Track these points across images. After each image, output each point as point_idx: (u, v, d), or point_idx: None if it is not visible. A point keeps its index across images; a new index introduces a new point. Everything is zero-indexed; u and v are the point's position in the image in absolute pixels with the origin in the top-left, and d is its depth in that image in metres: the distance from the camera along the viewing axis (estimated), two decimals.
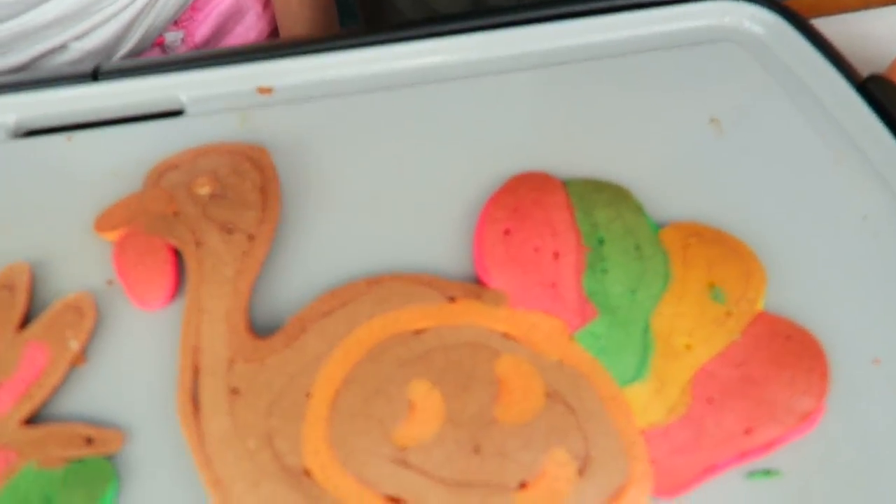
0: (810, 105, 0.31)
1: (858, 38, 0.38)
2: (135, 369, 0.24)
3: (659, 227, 0.27)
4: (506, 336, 0.24)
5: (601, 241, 0.26)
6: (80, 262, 0.26)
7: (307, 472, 0.22)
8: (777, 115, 0.31)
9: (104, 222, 0.26)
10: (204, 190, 0.27)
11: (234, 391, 0.23)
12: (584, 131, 0.30)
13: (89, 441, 0.22)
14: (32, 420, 0.23)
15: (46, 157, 0.30)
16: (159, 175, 0.28)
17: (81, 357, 0.24)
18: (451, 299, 0.25)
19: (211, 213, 0.26)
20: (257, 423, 0.22)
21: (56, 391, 0.24)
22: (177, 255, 0.26)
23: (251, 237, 0.26)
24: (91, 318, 0.25)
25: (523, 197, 0.27)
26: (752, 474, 0.23)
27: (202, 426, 0.22)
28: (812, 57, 0.32)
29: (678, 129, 0.30)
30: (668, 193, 0.28)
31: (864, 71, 0.31)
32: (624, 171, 0.28)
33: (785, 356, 0.24)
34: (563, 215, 0.27)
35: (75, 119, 0.31)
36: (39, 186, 0.29)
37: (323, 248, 0.27)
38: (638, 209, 0.27)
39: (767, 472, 0.23)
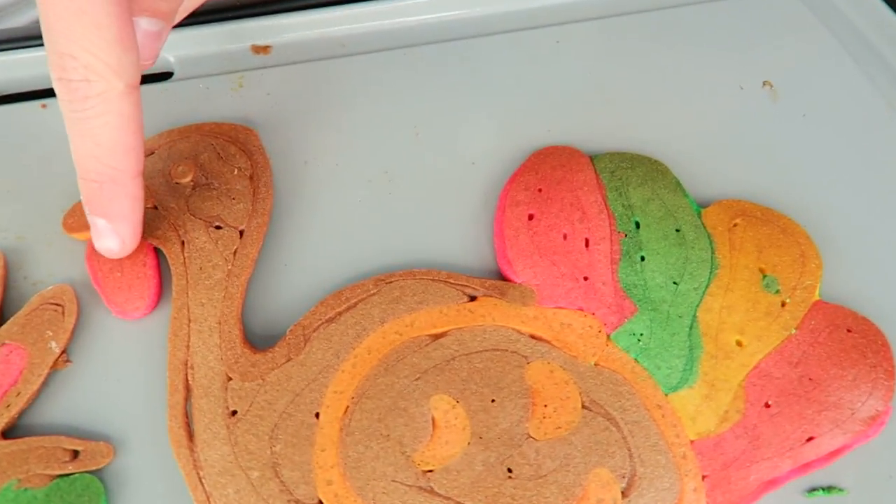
0: (878, 67, 0.27)
1: None
2: (123, 371, 0.22)
3: (701, 207, 0.24)
4: (535, 338, 0.21)
5: (637, 226, 0.23)
6: (60, 249, 0.23)
7: None
8: (839, 78, 0.27)
9: (73, 221, 0.23)
10: (185, 179, 0.24)
11: (233, 414, 0.20)
12: (614, 98, 0.27)
13: (75, 455, 0.20)
14: (10, 432, 0.21)
15: (19, 125, 0.26)
16: None
17: (63, 359, 0.22)
18: (472, 298, 0.22)
19: (195, 206, 0.23)
20: (260, 450, 0.20)
21: (36, 398, 0.21)
22: (158, 255, 0.23)
23: (242, 233, 0.23)
24: (73, 315, 0.22)
25: (547, 175, 0.24)
26: (812, 491, 0.20)
27: (198, 456, 0.20)
28: (880, 11, 0.28)
29: (725, 93, 0.27)
30: (711, 168, 0.25)
31: None
32: (661, 144, 0.25)
33: (847, 351, 0.21)
34: (593, 196, 0.24)
35: (50, 83, 0.27)
36: (11, 160, 0.25)
37: (324, 242, 0.24)
38: (677, 187, 0.24)
39: (829, 489, 0.20)
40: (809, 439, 0.20)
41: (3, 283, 0.23)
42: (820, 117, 0.26)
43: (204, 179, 0.24)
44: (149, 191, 0.24)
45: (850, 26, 0.28)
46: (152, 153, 0.25)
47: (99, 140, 0.19)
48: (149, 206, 0.23)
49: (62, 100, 0.19)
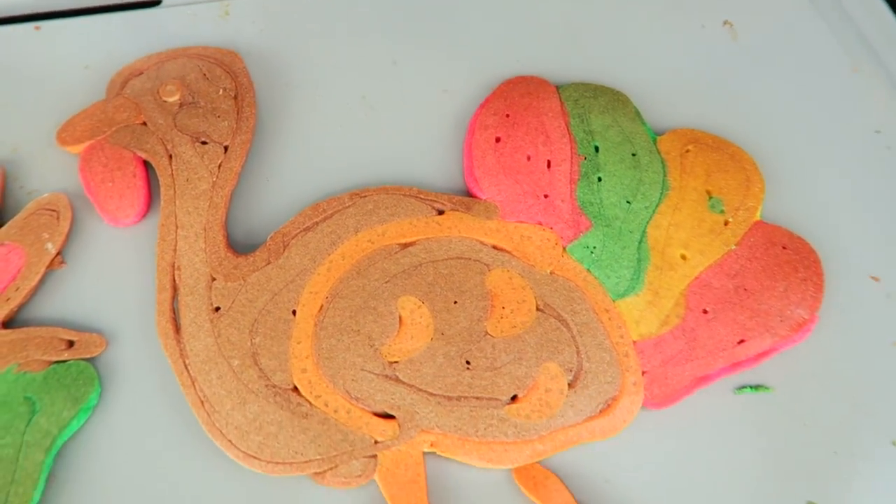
0: (832, 9, 0.29)
1: None
2: (115, 273, 0.23)
3: (657, 134, 0.25)
4: (496, 248, 0.23)
5: (596, 149, 0.25)
6: (54, 161, 0.25)
7: (295, 390, 0.21)
8: (796, 18, 0.29)
9: (66, 135, 0.25)
10: (173, 98, 0.25)
11: (216, 310, 0.22)
12: (581, 32, 0.28)
13: (70, 344, 0.22)
14: (10, 323, 0.22)
15: (12, 47, 0.27)
16: (123, 82, 0.26)
17: (59, 260, 0.23)
18: (440, 212, 0.24)
19: (182, 122, 0.25)
20: (241, 341, 0.22)
21: (34, 295, 0.23)
22: (147, 168, 0.25)
23: (226, 148, 0.25)
24: (67, 220, 0.23)
25: (515, 102, 0.26)
26: (741, 388, 0.23)
27: (184, 346, 0.22)
28: None
29: (686, 30, 0.28)
30: (669, 100, 0.26)
31: None
32: (623, 76, 0.27)
33: (780, 266, 0.23)
34: (557, 122, 0.25)
35: (44, 7, 0.28)
36: (7, 78, 0.27)
37: (303, 159, 0.26)
38: (636, 116, 0.26)
39: (757, 387, 0.23)
40: (741, 342, 0.22)
41: (1, 191, 0.24)
42: (775, 55, 0.27)
43: (190, 98, 0.25)
44: (138, 108, 0.25)
45: None
46: (141, 73, 0.26)
47: None
48: (138, 122, 0.25)
49: None
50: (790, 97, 0.27)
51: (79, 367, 0.22)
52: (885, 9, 0.27)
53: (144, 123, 0.25)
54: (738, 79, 0.27)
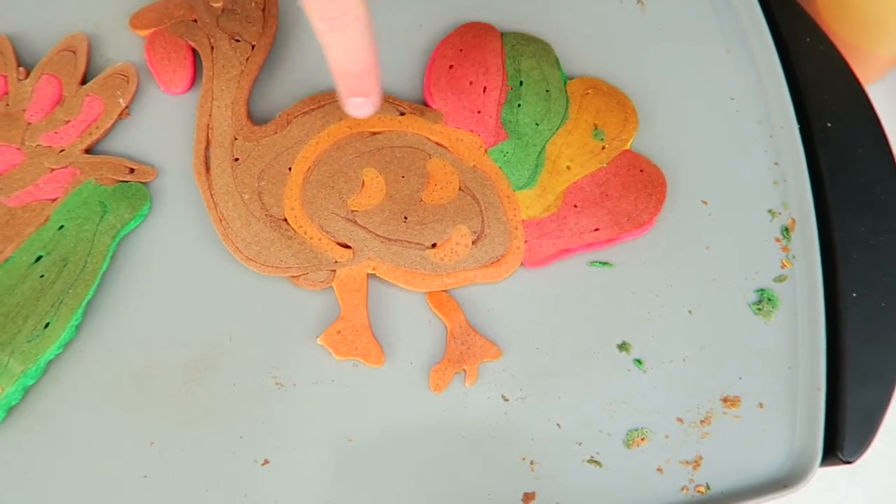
0: (720, 0, 0.37)
1: None
2: (166, 126, 0.32)
3: (569, 78, 0.35)
4: (438, 144, 0.33)
5: (521, 84, 0.34)
6: (127, 39, 0.34)
7: (285, 220, 0.31)
8: (693, 5, 0.37)
9: (137, 21, 0.33)
10: (217, 4, 0.34)
11: (235, 160, 0.32)
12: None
13: (131, 171, 0.31)
14: (91, 151, 0.32)
15: None
16: None
17: (126, 112, 0.32)
18: (402, 113, 0.33)
19: (222, 23, 0.33)
20: (251, 183, 0.31)
21: (108, 133, 0.32)
22: (194, 54, 0.33)
23: (253, 46, 0.33)
24: (134, 83, 0.32)
25: (468, 42, 0.34)
26: (593, 262, 0.32)
27: (211, 181, 0.31)
28: None
29: (609, 2, 0.37)
30: (583, 53, 0.35)
31: None
32: (553, 31, 0.35)
33: (635, 182, 0.33)
34: (496, 60, 0.34)
35: None
36: None
37: (309, 63, 0.34)
38: (555, 62, 0.35)
39: (605, 263, 0.32)
40: (596, 229, 0.32)
41: (87, 56, 0.33)
42: (671, 30, 0.36)
43: (231, 6, 0.34)
44: (192, 9, 0.34)
45: None
46: None
47: (353, 45, 0.26)
48: (191, 19, 0.34)
49: (319, 22, 0.25)
50: (673, 63, 0.36)
51: (137, 187, 0.31)
52: (757, 7, 0.36)
53: (195, 21, 0.34)
54: (637, 45, 0.36)
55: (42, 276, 0.29)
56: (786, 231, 0.33)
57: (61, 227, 0.30)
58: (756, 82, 0.36)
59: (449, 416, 0.30)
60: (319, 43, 0.27)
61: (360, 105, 0.29)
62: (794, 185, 0.34)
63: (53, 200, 0.30)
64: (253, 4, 0.34)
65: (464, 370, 0.30)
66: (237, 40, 0.33)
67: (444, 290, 0.31)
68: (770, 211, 0.34)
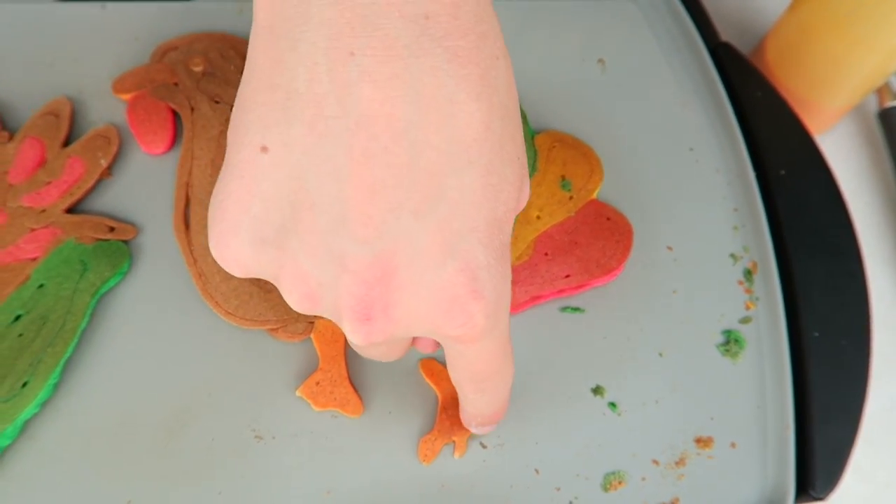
0: (675, 59, 0.40)
1: (750, 10, 0.47)
2: (146, 185, 0.33)
3: (535, 132, 0.36)
4: None
5: None
6: (109, 103, 0.35)
7: None
8: (650, 63, 0.40)
9: (119, 86, 0.35)
10: (198, 68, 0.35)
11: None
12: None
13: (112, 229, 0.32)
14: (72, 211, 0.32)
15: (84, 18, 0.37)
16: (163, 53, 0.36)
17: (108, 172, 0.33)
18: None
19: (203, 86, 0.35)
20: None
21: (90, 193, 0.33)
22: (175, 115, 0.35)
23: (232, 108, 0.35)
24: (115, 144, 0.33)
25: None
26: (564, 308, 0.33)
27: (191, 238, 0.32)
28: (683, 19, 0.40)
29: (572, 62, 0.39)
30: (549, 108, 0.37)
31: (740, 40, 0.40)
32: (520, 88, 0.37)
33: (603, 231, 0.34)
34: None
35: None
36: (78, 40, 0.36)
37: None
38: (523, 117, 0.36)
39: (576, 309, 0.33)
40: (567, 276, 0.33)
41: (70, 120, 0.34)
42: (630, 87, 0.38)
43: (210, 69, 0.35)
44: (173, 72, 0.35)
45: (665, 28, 0.41)
46: (176, 48, 0.36)
47: (496, 399, 0.26)
48: (171, 82, 0.35)
49: (471, 394, 0.25)
50: (634, 117, 0.38)
51: (117, 245, 0.32)
52: (710, 63, 0.39)
53: (176, 84, 0.35)
54: (599, 100, 0.38)
55: (21, 334, 0.29)
56: (748, 274, 0.35)
57: (41, 285, 0.30)
58: (713, 134, 0.38)
59: (428, 466, 0.30)
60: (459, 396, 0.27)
61: (483, 430, 0.29)
62: (753, 230, 0.36)
63: (34, 259, 0.31)
64: (232, 68, 0.36)
65: (453, 442, 0.30)
66: (217, 102, 0.35)
67: (436, 360, 0.32)
68: (732, 255, 0.35)
